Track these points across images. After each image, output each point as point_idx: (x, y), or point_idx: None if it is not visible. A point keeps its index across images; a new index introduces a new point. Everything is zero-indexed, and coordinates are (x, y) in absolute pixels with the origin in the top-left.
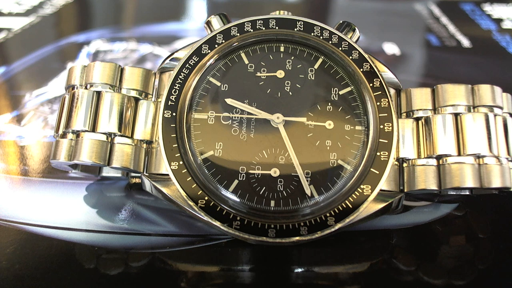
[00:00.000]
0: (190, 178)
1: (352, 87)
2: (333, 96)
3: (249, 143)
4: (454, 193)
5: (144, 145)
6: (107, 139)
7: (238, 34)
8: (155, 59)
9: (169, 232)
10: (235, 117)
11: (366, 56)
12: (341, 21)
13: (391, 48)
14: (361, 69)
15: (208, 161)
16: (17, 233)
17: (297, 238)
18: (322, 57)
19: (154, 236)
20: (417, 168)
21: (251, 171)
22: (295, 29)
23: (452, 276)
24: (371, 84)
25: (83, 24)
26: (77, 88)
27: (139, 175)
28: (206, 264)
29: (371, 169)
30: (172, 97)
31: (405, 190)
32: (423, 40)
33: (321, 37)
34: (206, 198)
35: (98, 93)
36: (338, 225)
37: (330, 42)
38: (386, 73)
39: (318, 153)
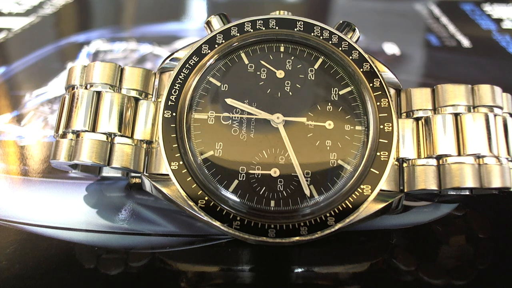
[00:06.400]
0: (190, 178)
1: (352, 87)
2: (333, 96)
3: (249, 143)
4: (454, 193)
5: (144, 145)
6: (107, 139)
7: (238, 34)
8: (155, 59)
9: (169, 232)
10: (235, 117)
11: (366, 56)
12: (341, 21)
13: (391, 48)
14: (361, 69)
15: (208, 161)
16: (17, 233)
17: (297, 238)
18: (322, 57)
19: (154, 236)
20: (417, 168)
21: (251, 171)
22: (295, 29)
23: (452, 276)
24: (371, 84)
25: (83, 24)
26: (77, 88)
27: (139, 175)
28: (206, 264)
29: (371, 169)
30: (172, 97)
31: (405, 190)
32: (423, 40)
33: (321, 37)
34: (206, 198)
35: (98, 93)
36: (338, 225)
37: (330, 42)
38: (386, 73)
39: (318, 153)
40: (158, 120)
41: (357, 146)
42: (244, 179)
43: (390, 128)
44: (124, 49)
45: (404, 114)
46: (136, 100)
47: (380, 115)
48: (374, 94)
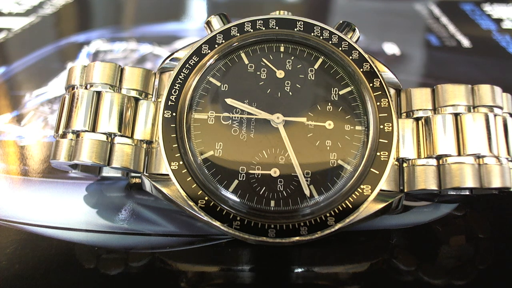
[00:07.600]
0: (190, 178)
1: (352, 87)
2: (333, 96)
3: (249, 143)
4: (454, 193)
5: (144, 145)
6: (107, 139)
7: (238, 34)
8: (155, 59)
9: (169, 232)
10: (235, 117)
11: (366, 56)
12: (341, 21)
13: (391, 48)
14: (361, 69)
15: (208, 161)
16: (17, 233)
17: (297, 238)
18: (322, 57)
19: (154, 236)
20: (417, 168)
21: (251, 171)
22: (295, 29)
23: (452, 276)
24: (371, 84)
25: (83, 24)
26: (77, 88)
27: (139, 175)
28: (206, 264)
29: (371, 169)
30: (172, 97)
31: (405, 190)
32: (423, 40)
33: (321, 37)
34: (206, 198)
35: (98, 93)
36: (338, 225)
37: (330, 42)
38: (386, 73)
39: (318, 153)
40: (158, 120)
41: (357, 146)
42: (244, 179)
43: (390, 128)
44: (124, 49)
45: (404, 114)
46: (136, 100)
47: (380, 115)
48: (374, 94)
